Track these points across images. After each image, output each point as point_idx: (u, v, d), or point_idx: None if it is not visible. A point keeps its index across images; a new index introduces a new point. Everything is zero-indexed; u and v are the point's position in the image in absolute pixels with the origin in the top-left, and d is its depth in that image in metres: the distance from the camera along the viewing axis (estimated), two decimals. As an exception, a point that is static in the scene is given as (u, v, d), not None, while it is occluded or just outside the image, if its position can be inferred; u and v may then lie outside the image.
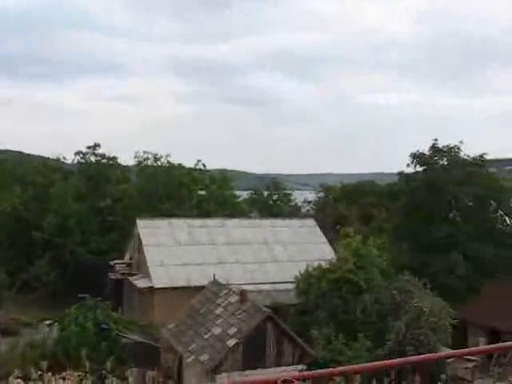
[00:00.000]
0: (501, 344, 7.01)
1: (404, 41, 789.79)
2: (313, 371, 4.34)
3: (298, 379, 3.76)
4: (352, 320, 31.70)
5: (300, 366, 28.22)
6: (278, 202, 70.93)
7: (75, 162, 60.29)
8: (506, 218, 48.95)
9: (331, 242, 44.99)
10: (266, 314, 28.37)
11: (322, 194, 70.92)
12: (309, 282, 34.62)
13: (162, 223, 46.27)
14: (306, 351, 28.99)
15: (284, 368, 27.96)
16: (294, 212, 69.01)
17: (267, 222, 50.11)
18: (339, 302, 32.48)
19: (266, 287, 40.37)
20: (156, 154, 61.08)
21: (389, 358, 28.63)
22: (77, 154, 58.98)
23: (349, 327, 31.08)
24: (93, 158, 59.17)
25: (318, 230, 48.37)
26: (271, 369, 27.61)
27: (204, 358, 27.92)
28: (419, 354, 28.84)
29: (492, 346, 6.73)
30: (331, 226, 54.58)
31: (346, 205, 63.21)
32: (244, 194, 73.63)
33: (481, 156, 47.89)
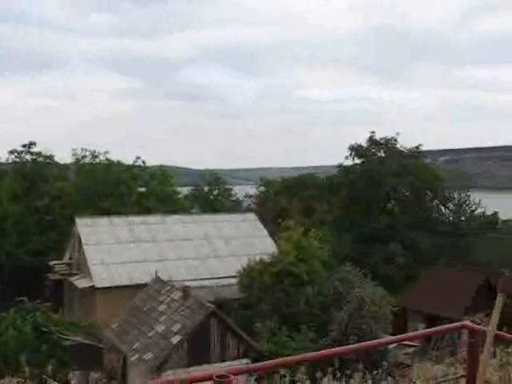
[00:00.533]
0: (431, 329, 7.22)
1: (344, 36, 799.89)
2: (255, 364, 4.32)
3: (234, 374, 3.71)
4: (295, 312, 31.96)
5: (245, 360, 28.34)
6: (219, 198, 70.80)
7: (10, 161, 58.47)
8: (442, 207, 50.40)
9: (273, 236, 45.24)
10: (209, 310, 28.32)
11: (263, 188, 71.25)
12: (251, 276, 34.71)
13: (102, 221, 45.47)
14: (250, 345, 29.11)
15: (229, 363, 28.01)
16: (236, 207, 69.07)
17: (208, 218, 49.95)
18: (282, 294, 32.70)
19: (209, 283, 40.26)
20: (94, 151, 60.02)
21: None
22: (11, 152, 57.25)
23: (292, 319, 31.34)
24: (28, 157, 57.57)
25: (259, 223, 48.53)
26: (216, 364, 27.62)
27: (148, 356, 27.65)
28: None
29: (426, 330, 6.96)
30: (273, 220, 54.88)
31: (286, 198, 63.74)
32: (185, 190, 73.21)
33: (416, 147, 49.15)
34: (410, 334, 5.86)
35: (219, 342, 28.37)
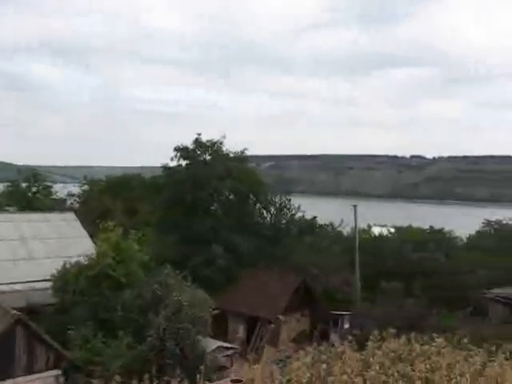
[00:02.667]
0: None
1: (180, 39, 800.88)
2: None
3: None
4: (112, 317, 30.61)
5: (55, 372, 26.52)
6: (39, 195, 66.65)
7: None
8: (264, 211, 51.55)
9: (94, 237, 43.28)
10: (15, 317, 26.04)
11: (86, 187, 68.79)
12: (66, 279, 32.77)
13: None
14: (61, 354, 27.27)
15: (37, 375, 26.01)
16: (59, 206, 65.51)
17: (24, 217, 46.57)
18: (99, 298, 31.17)
19: (22, 287, 37.41)
20: None
21: (151, 354, 28.27)
22: None
23: (109, 325, 30.00)
24: None
25: (78, 224, 46.16)
26: (22, 378, 25.48)
27: None
28: (180, 348, 28.98)
29: None
30: (95, 220, 52.76)
31: (110, 198, 61.97)
32: (1, 187, 68.28)
33: (242, 152, 49.68)
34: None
35: (26, 353, 26.12)
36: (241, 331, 42.42)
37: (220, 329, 39.00)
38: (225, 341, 37.03)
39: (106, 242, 33.12)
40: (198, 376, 26.17)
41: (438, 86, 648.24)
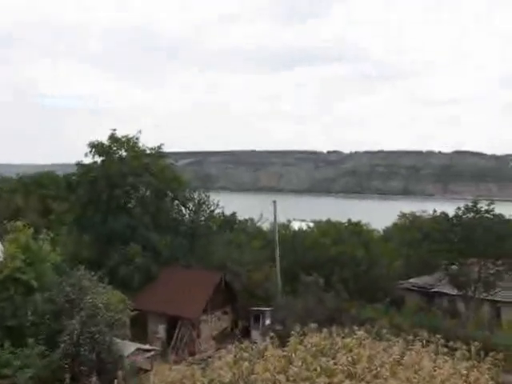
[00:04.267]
0: None
1: (90, 33, 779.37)
2: None
3: None
4: (22, 324, 28.83)
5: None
6: None
7: None
8: (182, 208, 50.67)
9: (2, 238, 40.98)
10: None
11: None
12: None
13: None
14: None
15: None
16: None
17: None
18: (7, 304, 29.29)
19: None
20: None
21: (64, 361, 26.85)
22: None
23: (18, 332, 28.22)
24: None
25: (-15, 225, 43.63)
26: None
27: None
28: (96, 353, 27.74)
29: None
30: (6, 220, 50.33)
31: (22, 196, 59.77)
32: None
33: (158, 147, 48.61)
34: None
35: None
36: (161, 332, 41.41)
37: (139, 330, 37.90)
38: (145, 342, 35.94)
39: (15, 244, 31.18)
40: (115, 381, 25.14)
41: (354, 82, 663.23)
